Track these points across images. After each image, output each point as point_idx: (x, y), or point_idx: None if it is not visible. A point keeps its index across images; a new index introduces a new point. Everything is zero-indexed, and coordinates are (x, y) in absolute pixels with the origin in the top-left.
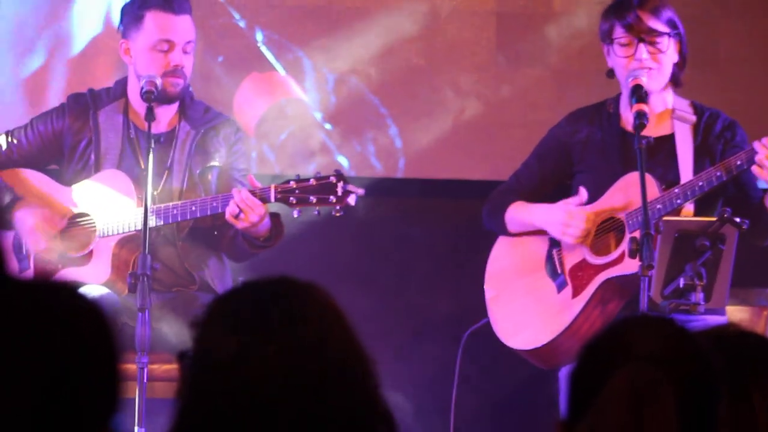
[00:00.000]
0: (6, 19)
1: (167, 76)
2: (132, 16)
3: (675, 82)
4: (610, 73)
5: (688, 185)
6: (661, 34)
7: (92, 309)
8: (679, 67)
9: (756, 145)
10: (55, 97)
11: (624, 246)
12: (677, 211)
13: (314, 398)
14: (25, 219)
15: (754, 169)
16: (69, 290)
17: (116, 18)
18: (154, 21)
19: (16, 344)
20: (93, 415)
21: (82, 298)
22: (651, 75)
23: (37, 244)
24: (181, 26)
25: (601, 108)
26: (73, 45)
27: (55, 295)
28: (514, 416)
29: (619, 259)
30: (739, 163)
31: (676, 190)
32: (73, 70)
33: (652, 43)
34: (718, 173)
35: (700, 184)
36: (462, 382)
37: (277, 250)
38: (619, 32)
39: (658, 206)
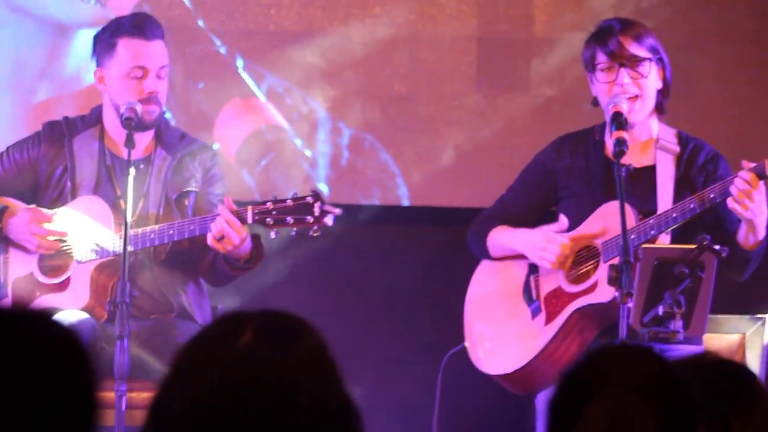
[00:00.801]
0: (5, 60)
1: (142, 103)
2: (104, 44)
3: (659, 109)
4: (595, 101)
5: (663, 216)
6: (642, 59)
7: (69, 337)
8: (663, 94)
9: (735, 181)
10: None
11: (598, 275)
12: (652, 242)
13: None
14: (18, 221)
15: (730, 201)
16: (45, 318)
17: None
18: (126, 48)
19: None
20: None
21: (59, 326)
22: (634, 102)
23: (39, 237)
24: (154, 52)
25: (588, 135)
26: (76, 81)
27: (32, 323)
28: None
29: (592, 288)
30: (712, 196)
31: (651, 221)
32: (77, 106)
33: (634, 68)
34: (692, 205)
35: (674, 215)
36: (443, 406)
37: (257, 276)
38: (601, 58)
39: (633, 236)
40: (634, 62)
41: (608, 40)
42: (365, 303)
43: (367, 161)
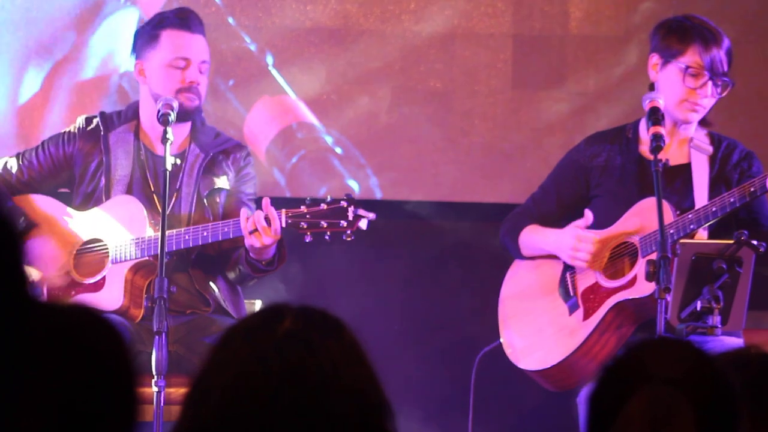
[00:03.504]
0: (8, 45)
1: (183, 91)
2: (147, 36)
3: (703, 122)
4: (652, 86)
5: (702, 211)
6: (727, 83)
7: (112, 332)
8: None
9: None
10: (54, 123)
11: (636, 270)
12: (690, 237)
13: None
14: (34, 246)
15: None
16: (86, 313)
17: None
18: (169, 39)
19: (36, 367)
20: None
21: (103, 322)
22: (695, 112)
23: (45, 269)
24: (197, 45)
25: (620, 132)
26: (78, 72)
27: (76, 318)
28: None
29: (631, 283)
30: (753, 189)
31: (690, 216)
32: (76, 97)
33: (716, 86)
34: (732, 199)
35: (714, 209)
36: (477, 405)
37: (281, 273)
38: (695, 60)
39: (671, 231)
40: (718, 81)
41: (713, 49)
42: (394, 303)
43: (400, 156)
